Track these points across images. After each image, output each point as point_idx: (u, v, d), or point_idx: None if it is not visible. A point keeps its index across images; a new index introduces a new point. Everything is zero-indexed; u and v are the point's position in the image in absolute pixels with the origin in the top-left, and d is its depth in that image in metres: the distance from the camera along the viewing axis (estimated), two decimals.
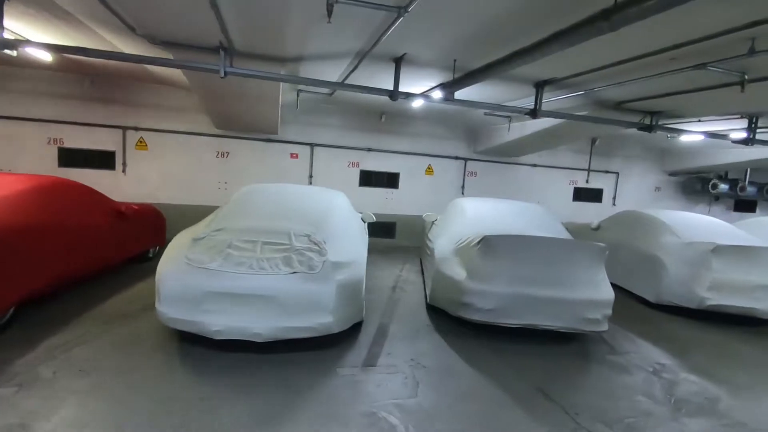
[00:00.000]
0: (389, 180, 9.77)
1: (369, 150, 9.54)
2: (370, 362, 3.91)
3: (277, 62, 4.92)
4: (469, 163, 10.23)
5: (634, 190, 11.67)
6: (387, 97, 5.28)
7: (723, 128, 7.21)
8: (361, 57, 4.80)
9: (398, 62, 4.90)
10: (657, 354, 4.62)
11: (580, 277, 4.41)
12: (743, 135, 6.94)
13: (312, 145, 9.20)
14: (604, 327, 4.43)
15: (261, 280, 3.53)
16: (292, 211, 4.60)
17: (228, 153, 8.80)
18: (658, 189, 11.94)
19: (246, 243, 3.80)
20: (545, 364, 4.16)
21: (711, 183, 11.27)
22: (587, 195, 11.30)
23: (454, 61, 4.72)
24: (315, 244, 3.95)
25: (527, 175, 10.71)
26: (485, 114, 7.69)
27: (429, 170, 10.02)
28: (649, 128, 6.09)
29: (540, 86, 5.41)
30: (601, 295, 4.37)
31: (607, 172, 11.35)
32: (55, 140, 7.93)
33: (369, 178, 9.65)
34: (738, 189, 11.49)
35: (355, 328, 4.52)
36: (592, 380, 3.90)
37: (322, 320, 3.70)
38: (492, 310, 4.39)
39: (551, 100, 5.87)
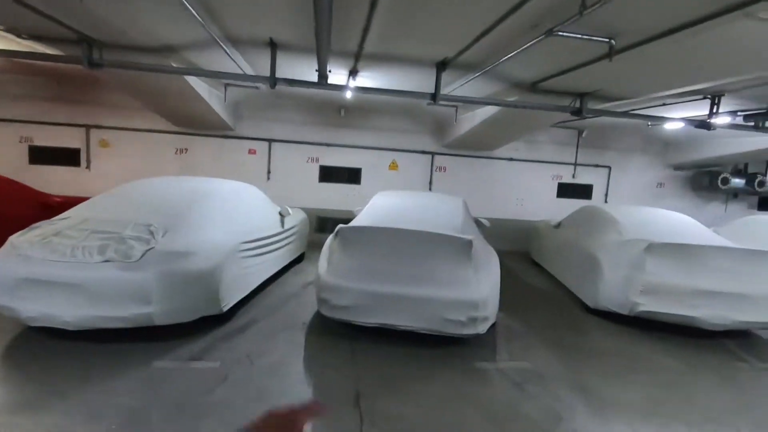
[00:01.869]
0: (350, 176, 9.54)
1: (329, 145, 9.36)
2: (198, 355, 3.76)
3: (153, 53, 4.89)
4: (436, 157, 9.76)
5: (631, 185, 10.59)
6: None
7: (699, 112, 6.29)
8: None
9: (274, 48, 4.71)
10: (545, 365, 4.08)
11: (442, 273, 3.99)
12: (728, 120, 6.01)
13: (270, 141, 9.18)
14: (474, 330, 3.96)
15: (69, 267, 3.49)
16: (160, 202, 4.54)
17: (186, 149, 9.00)
18: (660, 185, 10.76)
19: (77, 231, 3.78)
20: (392, 368, 3.80)
21: (721, 177, 9.96)
22: (574, 191, 10.41)
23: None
24: (151, 233, 3.86)
25: (503, 170, 10.04)
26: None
27: (393, 165, 9.67)
28: (578, 112, 5.43)
29: (439, 68, 4.98)
30: (466, 294, 3.91)
31: (597, 166, 10.39)
32: (25, 139, 8.48)
33: (329, 174, 9.47)
34: (756, 184, 10.08)
35: (221, 321, 4.40)
36: (431, 389, 3.49)
37: (139, 311, 3.59)
38: (347, 307, 4.07)
39: (463, 84, 5.40)
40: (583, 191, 10.45)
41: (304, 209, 7.90)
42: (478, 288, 3.96)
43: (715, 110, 5.60)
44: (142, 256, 3.65)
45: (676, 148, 10.26)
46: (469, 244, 3.93)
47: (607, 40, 3.41)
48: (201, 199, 4.66)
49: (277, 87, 5.04)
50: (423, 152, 9.68)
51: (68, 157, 8.64)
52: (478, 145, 9.30)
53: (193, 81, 6.16)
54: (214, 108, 7.27)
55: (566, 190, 10.37)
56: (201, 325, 4.17)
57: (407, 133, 9.54)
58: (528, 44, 3.60)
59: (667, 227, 5.82)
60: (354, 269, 4.11)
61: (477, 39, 3.92)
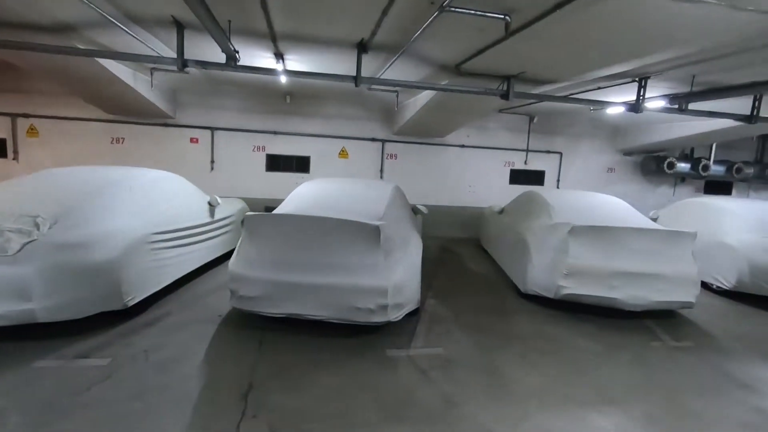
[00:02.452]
0: (299, 164, 9.33)
1: (275, 133, 9.12)
2: (87, 353, 3.55)
3: (51, 32, 4.56)
4: (387, 144, 9.63)
5: (582, 171, 10.72)
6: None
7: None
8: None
9: (180, 27, 4.45)
10: (458, 350, 4.02)
11: (350, 260, 3.87)
12: (661, 103, 6.05)
13: (212, 129, 8.87)
14: (385, 318, 3.87)
15: None
16: (60, 193, 4.26)
17: (123, 139, 8.61)
18: (611, 170, 10.92)
19: None
20: (296, 358, 3.67)
21: (667, 162, 10.17)
22: (527, 178, 10.47)
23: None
24: (36, 225, 3.61)
25: (455, 156, 9.99)
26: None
27: (343, 153, 9.50)
28: (506, 95, 5.36)
29: (360, 50, 4.82)
30: (374, 281, 3.81)
31: (548, 152, 10.46)
32: None
33: (277, 163, 9.24)
34: (701, 168, 10.33)
35: (129, 316, 4.19)
36: (331, 378, 3.38)
37: (19, 307, 3.36)
38: (254, 298, 3.93)
39: (388, 67, 5.26)
40: (535, 177, 10.51)
41: (251, 199, 7.68)
42: (388, 274, 3.86)
43: (642, 93, 5.62)
44: (20, 249, 3.41)
45: (625, 134, 10.42)
46: (376, 231, 3.82)
47: (502, 16, 3.31)
48: (105, 189, 4.39)
49: (209, 72, 4.81)
50: (373, 140, 9.53)
51: None
52: (427, 132, 9.21)
53: (110, 65, 5.84)
54: (142, 93, 6.94)
55: (519, 177, 10.41)
56: (103, 320, 3.96)
57: (356, 120, 9.37)
58: (428, 21, 3.47)
59: (597, 211, 5.85)
60: (260, 259, 3.96)
61: (381, 17, 3.76)
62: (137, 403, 2.90)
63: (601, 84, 6.10)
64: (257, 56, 5.48)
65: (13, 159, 8.22)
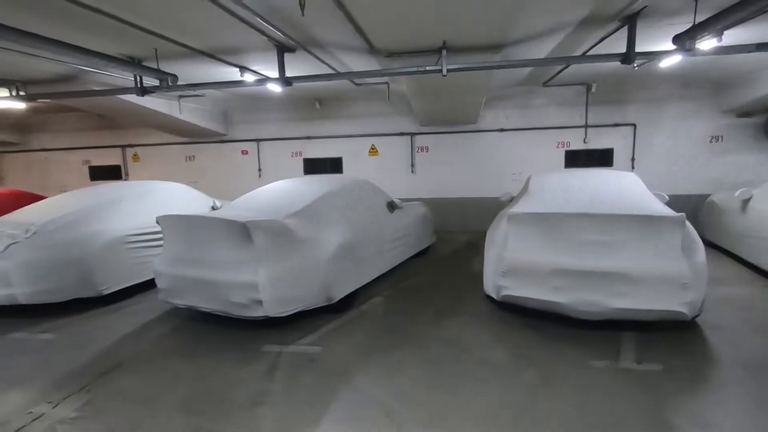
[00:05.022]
0: (332, 165, 9.72)
1: (309, 138, 9.71)
2: (45, 330, 4.53)
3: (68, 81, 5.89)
4: (417, 137, 9.28)
5: (670, 144, 8.45)
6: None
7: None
8: None
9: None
10: (342, 350, 3.86)
11: (226, 256, 4.04)
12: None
13: (258, 141, 9.94)
14: (261, 312, 3.93)
15: None
16: (60, 207, 5.44)
17: (194, 156, 10.33)
18: (716, 139, 8.33)
19: None
20: (178, 344, 4.08)
21: None
22: (589, 159, 8.77)
23: None
24: (26, 231, 4.80)
25: (494, 142, 9.01)
26: None
27: (373, 150, 9.52)
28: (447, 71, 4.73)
29: (280, 50, 4.94)
30: (243, 276, 3.91)
31: (616, 125, 8.57)
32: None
33: (313, 166, 9.82)
34: None
35: (105, 303, 5.16)
36: (185, 367, 3.64)
37: (4, 292, 4.55)
38: (164, 290, 4.45)
39: (315, 62, 5.22)
40: (601, 157, 8.74)
41: None
42: (259, 270, 3.91)
43: (632, 37, 4.32)
44: (5, 249, 4.60)
45: (735, 86, 7.79)
46: (243, 228, 3.91)
47: None
48: (96, 202, 5.49)
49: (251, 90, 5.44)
50: (402, 134, 9.31)
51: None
52: (450, 119, 8.57)
53: (139, 100, 7.15)
54: (184, 119, 8.28)
55: (577, 159, 8.82)
56: (76, 305, 4.99)
57: (384, 116, 9.30)
58: None
59: (586, 194, 4.67)
60: (169, 255, 4.45)
61: None
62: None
63: (580, 36, 4.87)
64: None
65: (126, 180, 10.68)
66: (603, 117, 8.58)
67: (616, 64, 4.78)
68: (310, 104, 9.43)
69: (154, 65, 5.31)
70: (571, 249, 3.84)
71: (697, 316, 4.03)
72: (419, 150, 9.35)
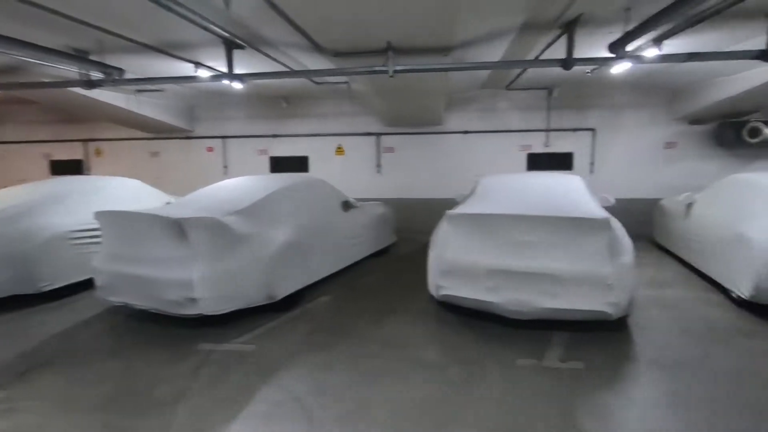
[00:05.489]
0: (299, 164, 9.70)
1: (275, 136, 9.66)
2: None
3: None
4: (383, 138, 9.33)
5: (627, 149, 8.70)
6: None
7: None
8: None
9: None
10: (277, 348, 3.84)
11: (162, 254, 4.00)
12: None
13: (223, 138, 9.85)
14: (196, 310, 3.90)
15: None
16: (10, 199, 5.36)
17: (158, 152, 10.17)
18: (671, 145, 8.61)
19: None
20: (113, 342, 4.01)
21: (748, 128, 7.57)
22: (550, 162, 8.95)
23: None
24: None
25: (458, 144, 9.13)
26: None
27: (339, 150, 9.54)
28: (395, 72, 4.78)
29: (228, 46, 4.91)
30: (178, 274, 3.87)
31: (576, 130, 8.77)
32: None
33: (279, 164, 9.77)
34: None
35: (44, 299, 5.05)
36: (109, 365, 3.59)
37: None
38: (101, 287, 4.37)
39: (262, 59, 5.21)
40: (561, 161, 8.93)
41: None
42: (194, 268, 3.88)
43: (571, 44, 4.43)
44: None
45: (688, 95, 8.07)
46: (177, 225, 3.87)
47: None
48: (41, 196, 5.37)
49: (217, 85, 5.43)
50: (368, 134, 9.35)
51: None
52: (415, 120, 8.66)
53: (96, 94, 7.00)
54: (143, 114, 8.15)
55: (539, 162, 8.99)
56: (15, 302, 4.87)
57: (350, 115, 9.32)
58: None
59: (527, 195, 4.77)
60: (106, 252, 4.38)
61: None
62: None
63: (529, 41, 4.98)
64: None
65: (88, 175, 10.43)
66: (564, 122, 8.77)
67: (575, 70, 4.90)
68: (276, 102, 9.38)
69: (107, 58, 5.23)
70: (503, 250, 3.91)
71: (627, 316, 4.16)
72: (385, 150, 9.40)
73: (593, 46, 4.78)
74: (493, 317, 4.21)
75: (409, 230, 9.09)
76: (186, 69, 6.06)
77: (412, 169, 9.31)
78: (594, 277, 3.65)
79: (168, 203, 6.73)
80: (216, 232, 4.11)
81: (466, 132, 9.06)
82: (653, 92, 8.36)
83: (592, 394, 3.06)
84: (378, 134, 9.32)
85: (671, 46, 5.14)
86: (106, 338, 4.15)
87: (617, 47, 4.22)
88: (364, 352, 3.75)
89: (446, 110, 9.04)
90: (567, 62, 4.52)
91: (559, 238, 3.78)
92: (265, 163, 9.84)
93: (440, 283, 4.25)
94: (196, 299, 3.88)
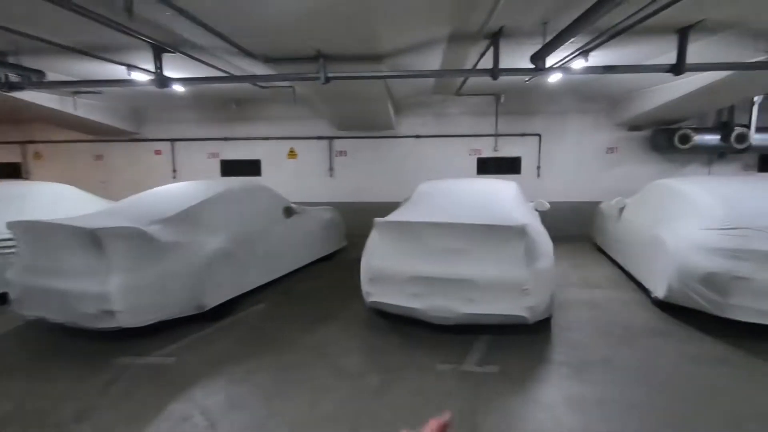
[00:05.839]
0: (251, 168, 9.55)
1: (226, 139, 9.48)
2: None
3: None
4: (335, 141, 9.32)
5: (572, 154, 9.01)
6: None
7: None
8: None
9: None
10: (191, 362, 3.76)
11: (80, 265, 3.85)
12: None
13: (172, 141, 9.58)
14: (114, 323, 3.78)
15: None
16: None
17: (102, 156, 9.79)
18: (612, 150, 8.98)
19: None
20: (28, 359, 3.83)
21: (679, 135, 7.99)
22: (498, 166, 9.17)
23: None
24: None
25: (410, 148, 9.22)
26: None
27: (291, 153, 9.46)
28: (328, 79, 4.79)
29: (158, 51, 4.78)
30: (94, 286, 3.74)
31: (523, 135, 9.02)
32: None
33: (230, 168, 9.59)
34: (734, 139, 7.90)
35: None
36: (16, 385, 3.43)
37: None
38: (16, 300, 4.17)
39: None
40: (509, 165, 9.17)
41: None
42: (110, 279, 3.76)
43: (495, 54, 4.55)
44: None
45: (625, 104, 8.44)
46: (91, 235, 3.75)
47: None
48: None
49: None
50: (320, 138, 9.31)
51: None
52: (366, 125, 8.69)
53: (30, 96, 6.67)
54: (82, 116, 7.82)
55: (488, 166, 9.19)
56: None
57: (302, 119, 9.24)
58: None
59: (460, 203, 4.87)
60: (22, 263, 4.18)
61: None
62: None
63: (465, 50, 5.09)
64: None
65: (26, 179, 9.93)
66: (511, 127, 9.00)
67: (516, 78, 5.00)
68: (226, 105, 9.21)
69: (28, 61, 5.00)
70: (426, 257, 3.98)
71: (550, 318, 4.32)
72: (338, 154, 9.38)
73: (521, 57, 4.92)
74: (423, 322, 4.28)
75: (361, 234, 9.04)
76: (120, 72, 5.87)
77: (365, 173, 9.33)
78: (511, 282, 3.76)
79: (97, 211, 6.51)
80: (136, 242, 3.99)
81: (418, 136, 9.16)
82: (594, 99, 8.69)
83: (498, 396, 3.15)
84: (330, 138, 9.29)
85: (597, 58, 5.37)
86: (17, 355, 3.97)
87: (537, 59, 4.37)
88: (288, 361, 3.74)
89: (398, 115, 9.12)
90: (494, 72, 4.64)
91: (478, 245, 3.87)
92: (216, 167, 9.63)
93: (368, 290, 4.29)
94: (113, 312, 3.76)
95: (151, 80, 5.05)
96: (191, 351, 3.95)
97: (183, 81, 5.15)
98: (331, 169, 9.40)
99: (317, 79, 4.76)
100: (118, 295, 3.76)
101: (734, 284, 3.87)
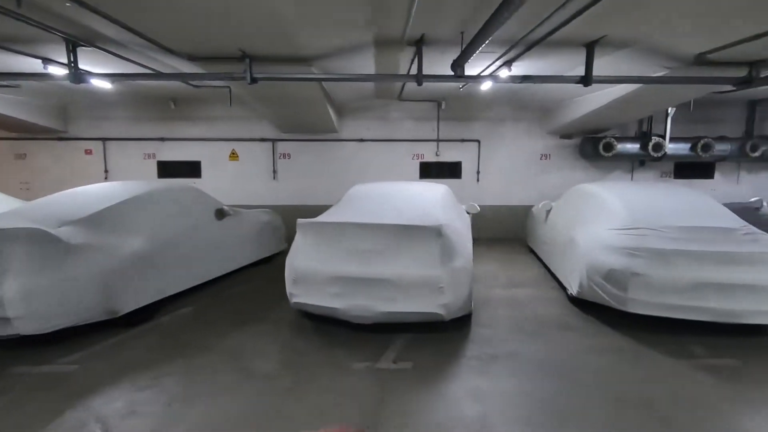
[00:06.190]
0: (190, 169, 9.25)
1: (163, 140, 9.14)
2: None
3: None
4: (279, 144, 9.22)
5: (509, 159, 9.41)
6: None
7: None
8: None
9: None
10: (95, 370, 3.58)
11: None
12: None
13: (104, 140, 9.12)
14: (7, 330, 3.57)
15: None
16: None
17: (25, 154, 9.16)
18: (545, 157, 9.47)
19: None
20: None
21: (603, 143, 8.56)
22: (440, 171, 9.41)
23: None
24: None
25: (354, 152, 9.28)
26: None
27: (233, 155, 9.26)
28: (254, 80, 4.76)
29: (72, 46, 4.56)
30: None
31: (463, 140, 9.32)
32: None
33: (168, 169, 9.24)
34: (651, 148, 8.56)
35: None
36: None
37: None
38: None
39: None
40: (450, 170, 9.43)
41: None
42: (6, 284, 3.53)
43: (419, 61, 4.70)
44: None
45: (554, 113, 8.93)
46: None
47: None
48: None
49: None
50: (263, 140, 9.18)
51: None
52: (309, 128, 8.66)
53: None
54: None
55: (431, 170, 9.41)
56: None
57: (244, 120, 9.08)
58: None
59: (385, 205, 4.96)
60: None
61: None
62: None
63: (395, 56, 5.23)
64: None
65: None
66: (452, 132, 9.27)
67: (452, 85, 5.06)
68: (163, 103, 8.88)
69: None
70: (347, 257, 4.03)
71: (470, 315, 4.50)
72: (281, 156, 9.28)
73: (445, 65, 5.10)
74: (347, 323, 4.31)
75: None
76: (37, 65, 5.54)
77: (309, 176, 9.29)
78: (426, 281, 3.88)
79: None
80: (38, 244, 3.77)
81: (362, 140, 9.23)
82: (528, 108, 9.13)
83: (405, 391, 3.24)
84: (274, 140, 9.18)
85: (521, 68, 5.67)
86: None
87: (456, 66, 4.55)
88: (199, 365, 3.66)
89: (342, 118, 9.17)
90: (418, 78, 4.78)
91: (396, 245, 3.97)
92: (153, 168, 9.25)
93: (291, 291, 4.28)
94: (9, 318, 3.53)
95: (66, 75, 4.78)
96: (99, 358, 3.78)
97: (101, 77, 4.93)
98: (274, 171, 9.28)
99: (243, 79, 4.70)
100: (15, 300, 3.54)
101: (632, 280, 4.20)
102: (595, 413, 2.97)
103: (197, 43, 4.37)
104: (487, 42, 3.83)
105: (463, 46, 4.39)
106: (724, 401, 3.12)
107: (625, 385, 3.34)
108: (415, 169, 9.39)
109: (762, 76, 5.02)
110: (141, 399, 3.14)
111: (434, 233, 3.92)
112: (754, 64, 4.92)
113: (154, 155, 9.21)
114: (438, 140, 9.27)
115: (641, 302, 4.20)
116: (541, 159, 9.45)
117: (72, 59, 4.63)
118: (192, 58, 4.70)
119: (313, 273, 4.10)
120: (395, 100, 8.94)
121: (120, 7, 3.50)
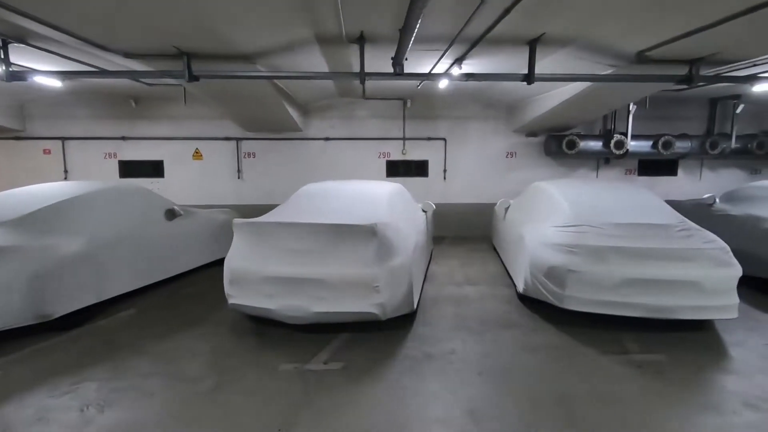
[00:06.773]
0: (153, 169, 9.11)
1: (124, 139, 8.98)
2: None
3: None
4: (243, 143, 9.12)
5: (475, 158, 9.44)
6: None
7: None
8: None
9: None
10: (57, 366, 3.48)
11: None
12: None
13: (63, 139, 8.93)
14: None
15: None
16: None
17: None
18: (511, 155, 9.51)
19: None
20: None
21: (566, 141, 8.62)
22: (407, 169, 9.41)
23: None
24: None
25: (319, 151, 9.23)
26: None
27: (197, 155, 9.14)
28: (195, 78, 4.69)
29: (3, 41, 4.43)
30: None
31: (430, 139, 9.33)
32: None
33: (129, 169, 9.09)
34: (613, 145, 8.65)
35: None
36: None
37: None
38: None
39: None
40: (417, 168, 9.43)
41: None
42: None
43: (361, 58, 4.67)
44: None
45: (518, 112, 8.97)
46: None
47: None
48: None
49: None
50: (227, 139, 9.07)
51: None
52: (273, 127, 8.59)
53: None
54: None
55: (397, 169, 9.40)
56: None
57: (208, 119, 8.96)
58: None
59: (329, 204, 4.91)
60: None
61: None
62: None
63: (339, 54, 5.19)
64: None
65: None
66: (418, 131, 9.27)
67: (426, 84, 4.98)
68: (124, 102, 8.73)
69: None
70: (281, 257, 3.98)
71: (414, 314, 4.48)
72: (246, 155, 9.19)
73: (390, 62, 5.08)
74: (287, 324, 4.26)
75: None
76: None
77: (274, 175, 9.21)
78: (361, 280, 3.84)
79: None
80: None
81: (327, 139, 9.18)
82: (493, 106, 9.16)
83: (329, 392, 3.20)
84: (238, 139, 9.08)
85: (472, 67, 5.68)
86: None
87: (395, 63, 4.53)
88: (125, 369, 3.58)
89: (307, 117, 9.10)
90: (360, 76, 4.75)
91: (330, 244, 3.93)
92: (114, 168, 9.08)
93: (228, 292, 4.22)
94: None
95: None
96: (23, 364, 3.68)
97: (43, 74, 4.81)
98: (239, 171, 9.18)
99: (182, 77, 4.62)
100: None
101: (569, 276, 4.22)
102: (510, 413, 2.96)
103: (130, 41, 4.27)
104: (413, 38, 3.86)
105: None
106: (643, 396, 3.14)
107: (551, 384, 3.35)
108: (382, 168, 9.37)
109: (702, 74, 5.08)
110: (54, 405, 3.06)
111: (369, 232, 3.88)
112: (694, 62, 4.97)
113: (115, 155, 9.05)
114: (404, 139, 9.26)
115: (577, 299, 4.22)
116: (507, 157, 9.50)
117: (3, 56, 4.49)
118: (129, 55, 4.60)
119: (248, 273, 4.04)
120: (360, 98, 8.90)
121: (38, 4, 3.40)
